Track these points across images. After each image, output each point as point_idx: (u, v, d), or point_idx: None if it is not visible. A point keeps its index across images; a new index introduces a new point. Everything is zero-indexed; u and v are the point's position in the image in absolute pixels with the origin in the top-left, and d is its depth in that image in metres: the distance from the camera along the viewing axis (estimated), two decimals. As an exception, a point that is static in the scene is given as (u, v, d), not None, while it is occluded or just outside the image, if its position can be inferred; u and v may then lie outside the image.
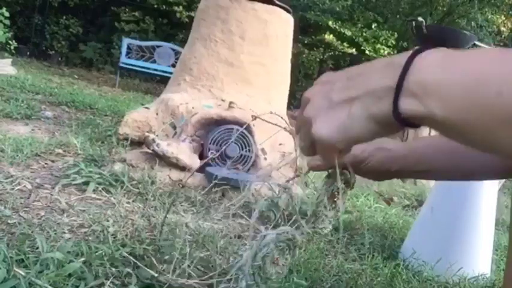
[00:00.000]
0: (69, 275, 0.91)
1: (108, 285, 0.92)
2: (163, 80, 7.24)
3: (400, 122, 0.41)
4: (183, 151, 1.95)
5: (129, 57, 7.28)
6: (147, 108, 2.38)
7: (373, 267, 1.34)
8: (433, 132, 3.62)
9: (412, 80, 0.39)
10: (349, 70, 0.47)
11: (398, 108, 0.40)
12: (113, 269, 0.97)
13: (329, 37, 10.94)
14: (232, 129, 2.08)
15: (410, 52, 0.41)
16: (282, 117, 0.76)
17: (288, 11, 2.54)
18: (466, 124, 0.37)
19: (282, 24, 2.50)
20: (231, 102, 2.19)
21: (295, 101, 10.42)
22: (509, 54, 0.36)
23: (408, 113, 0.39)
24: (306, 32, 11.10)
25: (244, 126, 1.77)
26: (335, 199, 0.67)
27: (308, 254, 1.32)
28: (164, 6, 9.72)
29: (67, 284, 0.88)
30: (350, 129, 0.43)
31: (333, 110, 0.44)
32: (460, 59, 0.38)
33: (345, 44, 11.06)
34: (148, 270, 0.94)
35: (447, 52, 0.39)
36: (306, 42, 11.24)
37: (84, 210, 1.37)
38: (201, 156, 2.04)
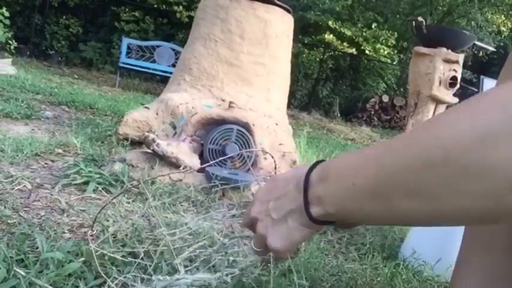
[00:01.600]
0: (69, 275, 0.91)
1: (108, 285, 0.92)
2: (163, 80, 7.24)
3: (320, 223, 0.55)
4: (183, 151, 1.95)
5: (129, 57, 7.28)
6: (147, 108, 2.38)
7: (373, 267, 1.34)
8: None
9: (310, 196, 0.54)
10: (273, 188, 0.61)
11: (312, 216, 0.54)
12: (113, 269, 0.97)
13: (329, 37, 10.91)
14: (232, 129, 2.08)
15: (307, 168, 0.56)
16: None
17: (288, 11, 2.54)
18: (355, 212, 0.51)
19: (282, 24, 2.49)
20: (231, 102, 2.19)
21: (295, 100, 10.42)
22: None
23: (320, 217, 0.54)
24: (306, 32, 11.10)
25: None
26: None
27: (308, 254, 1.32)
28: (164, 6, 9.72)
29: (67, 284, 0.88)
30: (293, 237, 0.58)
31: (277, 225, 0.59)
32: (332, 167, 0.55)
33: (345, 43, 11.04)
34: (147, 269, 0.94)
35: (323, 166, 0.55)
36: (306, 42, 11.24)
37: (84, 210, 1.37)
38: (201, 156, 2.04)
